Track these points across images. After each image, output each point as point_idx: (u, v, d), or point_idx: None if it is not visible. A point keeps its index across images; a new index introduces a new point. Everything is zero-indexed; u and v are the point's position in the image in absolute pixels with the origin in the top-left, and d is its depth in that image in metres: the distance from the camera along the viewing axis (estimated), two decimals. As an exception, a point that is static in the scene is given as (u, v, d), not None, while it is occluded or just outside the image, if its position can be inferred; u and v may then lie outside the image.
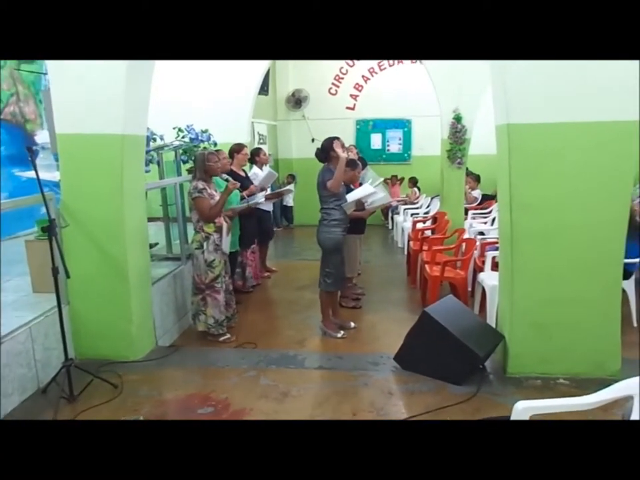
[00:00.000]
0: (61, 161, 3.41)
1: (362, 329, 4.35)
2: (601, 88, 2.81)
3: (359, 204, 4.20)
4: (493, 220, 6.53)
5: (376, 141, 9.79)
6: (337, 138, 3.93)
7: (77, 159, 3.36)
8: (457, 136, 6.34)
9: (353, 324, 4.32)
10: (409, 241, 6.41)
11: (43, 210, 3.07)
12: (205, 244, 3.83)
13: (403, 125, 9.68)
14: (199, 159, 3.91)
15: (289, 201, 9.42)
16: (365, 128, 9.76)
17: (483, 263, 4.61)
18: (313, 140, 9.60)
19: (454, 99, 6.33)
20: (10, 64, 5.71)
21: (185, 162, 5.21)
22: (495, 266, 4.50)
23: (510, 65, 2.88)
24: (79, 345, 3.52)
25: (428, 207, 8.11)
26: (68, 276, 2.90)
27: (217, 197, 3.89)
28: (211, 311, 3.90)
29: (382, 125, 9.71)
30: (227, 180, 4.18)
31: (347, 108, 9.73)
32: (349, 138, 9.59)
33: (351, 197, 3.97)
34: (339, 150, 3.77)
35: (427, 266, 4.77)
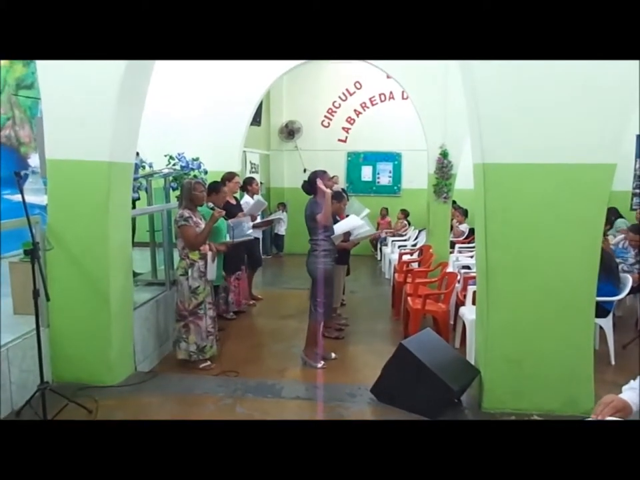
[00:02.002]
0: (49, 185, 3.48)
1: (343, 359, 4.37)
2: (575, 131, 2.92)
3: (345, 235, 4.30)
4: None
5: (366, 173, 9.96)
6: (324, 172, 4.06)
7: (64, 184, 3.44)
8: (443, 171, 6.49)
9: (333, 355, 4.34)
10: (394, 273, 6.47)
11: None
12: (189, 271, 3.88)
13: (394, 158, 9.86)
14: (186, 187, 3.99)
15: (281, 229, 9.50)
16: (355, 160, 9.93)
17: (465, 297, 4.66)
18: (304, 170, 9.73)
19: (441, 134, 6.50)
20: (8, 89, 5.84)
21: (174, 189, 5.29)
22: (475, 300, 4.56)
23: (484, 106, 3.00)
24: (57, 368, 3.53)
25: (416, 239, 8.20)
26: (48, 299, 2.94)
27: (202, 225, 3.96)
28: (193, 338, 3.92)
29: (373, 158, 9.90)
30: (212, 209, 4.26)
31: (339, 140, 9.92)
32: (340, 169, 9.77)
33: (339, 228, 4.08)
34: (321, 185, 3.89)
35: (409, 298, 4.82)
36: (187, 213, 3.89)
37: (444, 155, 6.49)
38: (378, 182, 9.96)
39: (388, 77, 9.40)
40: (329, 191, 3.88)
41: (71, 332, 3.52)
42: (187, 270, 3.89)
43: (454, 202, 7.75)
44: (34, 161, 6.16)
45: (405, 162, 9.82)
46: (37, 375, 3.06)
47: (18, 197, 2.98)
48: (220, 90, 6.66)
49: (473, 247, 7.57)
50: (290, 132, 9.86)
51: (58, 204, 3.47)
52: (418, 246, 7.61)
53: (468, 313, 4.33)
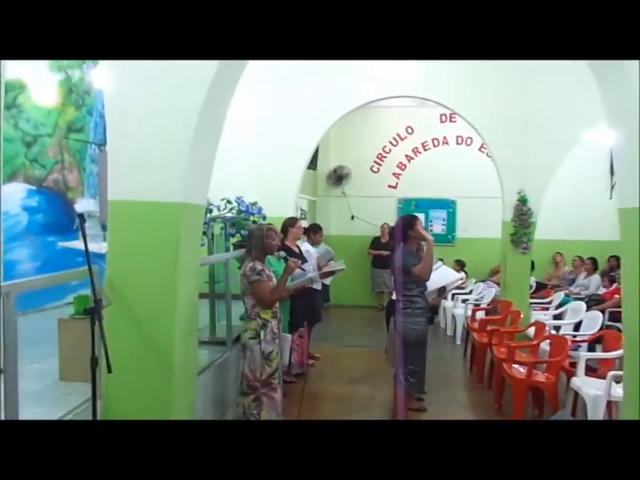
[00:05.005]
0: (110, 230, 3.00)
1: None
2: None
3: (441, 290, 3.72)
4: (561, 314, 5.90)
5: (419, 221, 9.43)
6: (416, 217, 3.57)
7: (128, 228, 2.95)
8: (522, 219, 5.89)
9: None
10: (467, 332, 5.80)
11: (75, 282, 2.60)
12: (262, 333, 3.29)
13: (447, 206, 9.36)
14: (256, 234, 3.47)
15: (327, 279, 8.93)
16: (407, 207, 9.42)
17: (571, 365, 3.99)
18: (352, 217, 9.32)
19: (517, 180, 5.95)
20: (59, 132, 5.56)
21: (232, 235, 4.82)
22: (588, 370, 3.89)
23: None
24: (108, 449, 2.93)
25: (480, 293, 7.50)
26: (109, 370, 2.38)
27: (274, 279, 3.43)
28: (266, 414, 3.27)
29: (425, 205, 9.39)
30: (285, 258, 3.72)
31: (389, 186, 9.47)
32: (390, 217, 9.26)
33: (433, 283, 3.50)
34: (423, 232, 3.39)
35: (504, 365, 4.14)
36: (259, 266, 3.35)
37: (522, 201, 5.90)
38: (431, 230, 9.36)
39: (442, 121, 9.14)
40: (431, 238, 3.35)
41: (126, 405, 2.93)
42: (258, 332, 3.29)
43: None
44: (80, 206, 5.81)
45: (460, 209, 9.31)
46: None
47: (69, 244, 2.52)
48: (275, 135, 6.31)
49: (546, 304, 6.89)
50: (338, 177, 9.45)
51: (120, 252, 2.96)
52: (485, 300, 6.93)
53: (585, 386, 3.63)
